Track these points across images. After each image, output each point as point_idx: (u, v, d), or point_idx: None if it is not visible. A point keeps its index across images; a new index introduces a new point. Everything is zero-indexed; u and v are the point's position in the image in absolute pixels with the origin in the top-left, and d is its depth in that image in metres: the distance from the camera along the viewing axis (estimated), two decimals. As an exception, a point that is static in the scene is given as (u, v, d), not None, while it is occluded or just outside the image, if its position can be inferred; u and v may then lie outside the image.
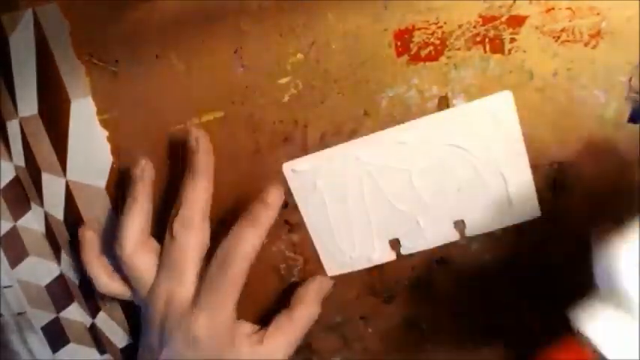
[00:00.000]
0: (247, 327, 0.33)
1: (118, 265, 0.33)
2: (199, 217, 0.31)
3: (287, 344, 0.32)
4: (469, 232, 0.32)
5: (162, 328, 0.31)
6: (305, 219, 0.33)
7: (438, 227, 0.32)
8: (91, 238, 0.34)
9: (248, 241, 0.30)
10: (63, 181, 0.33)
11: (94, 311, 0.37)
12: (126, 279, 0.33)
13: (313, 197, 0.33)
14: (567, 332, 0.24)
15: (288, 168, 0.32)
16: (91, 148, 0.32)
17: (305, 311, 0.32)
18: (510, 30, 0.29)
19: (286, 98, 0.31)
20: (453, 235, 0.32)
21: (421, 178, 0.31)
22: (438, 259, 0.33)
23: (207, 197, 0.31)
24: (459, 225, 0.32)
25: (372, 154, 0.31)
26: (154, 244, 0.33)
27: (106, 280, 0.33)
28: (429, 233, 0.32)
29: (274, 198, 0.31)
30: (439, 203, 0.32)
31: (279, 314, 0.33)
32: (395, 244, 0.33)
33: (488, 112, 0.30)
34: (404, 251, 0.33)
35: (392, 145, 0.31)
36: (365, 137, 0.31)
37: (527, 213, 0.31)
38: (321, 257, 0.34)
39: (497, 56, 0.29)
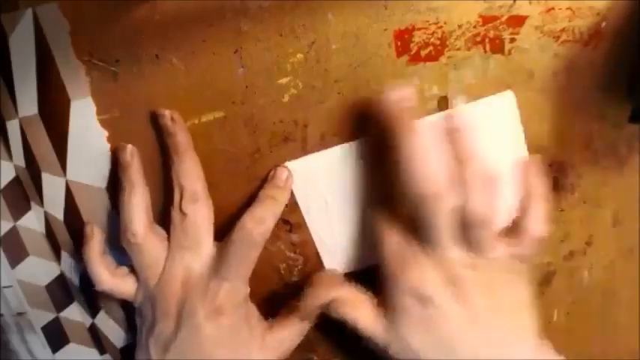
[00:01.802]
0: (256, 309, 0.34)
1: (121, 261, 0.33)
2: (202, 189, 0.31)
3: (295, 334, 0.33)
4: (469, 232, 0.32)
5: (179, 310, 0.31)
6: (305, 219, 0.33)
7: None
8: (96, 236, 0.33)
9: (269, 217, 0.31)
10: (63, 181, 0.33)
11: (94, 311, 0.37)
12: (128, 276, 0.33)
13: (313, 197, 0.33)
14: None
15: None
16: (91, 148, 0.32)
17: (315, 300, 0.33)
18: (510, 30, 0.29)
19: (286, 98, 0.31)
20: (453, 235, 0.32)
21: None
22: (438, 259, 0.33)
23: (201, 170, 0.32)
24: (459, 225, 0.32)
25: (372, 154, 0.31)
26: (160, 229, 0.33)
27: (107, 277, 0.33)
28: (429, 233, 0.32)
29: (286, 177, 0.32)
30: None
31: (289, 303, 0.33)
32: (395, 244, 0.33)
33: (491, 111, 0.30)
34: (404, 251, 0.33)
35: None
36: (365, 137, 0.31)
37: (527, 213, 0.31)
38: (322, 257, 0.34)
39: (497, 56, 0.29)
